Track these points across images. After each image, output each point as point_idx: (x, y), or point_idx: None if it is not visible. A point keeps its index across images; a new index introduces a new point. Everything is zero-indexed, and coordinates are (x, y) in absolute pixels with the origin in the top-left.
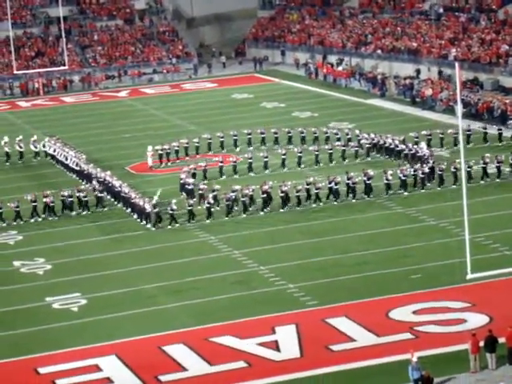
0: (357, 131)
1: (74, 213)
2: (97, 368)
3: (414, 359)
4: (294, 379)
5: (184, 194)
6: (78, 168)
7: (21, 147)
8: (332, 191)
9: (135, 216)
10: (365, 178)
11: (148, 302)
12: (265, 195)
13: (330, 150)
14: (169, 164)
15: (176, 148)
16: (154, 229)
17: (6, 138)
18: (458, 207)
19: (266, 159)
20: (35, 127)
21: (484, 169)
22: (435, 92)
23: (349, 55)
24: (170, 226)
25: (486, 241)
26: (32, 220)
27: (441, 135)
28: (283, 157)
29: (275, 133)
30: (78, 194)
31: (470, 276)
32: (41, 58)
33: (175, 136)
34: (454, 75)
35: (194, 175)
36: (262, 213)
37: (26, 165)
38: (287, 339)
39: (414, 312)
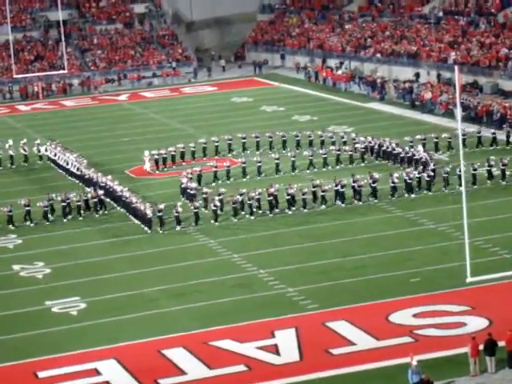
0: (353, 135)
1: (66, 219)
2: (96, 372)
3: (414, 363)
4: (294, 383)
5: (185, 198)
6: (78, 172)
7: (25, 150)
8: (338, 194)
9: (136, 221)
10: (370, 181)
11: (148, 306)
12: (271, 198)
13: (325, 154)
14: (165, 169)
15: (172, 153)
16: (159, 231)
17: (10, 141)
18: (458, 210)
19: (259, 164)
20: (35, 131)
21: (489, 171)
22: (435, 95)
23: (348, 59)
24: (178, 228)
25: (485, 244)
26: (27, 223)
27: (435, 139)
28: (276, 161)
29: (270, 137)
30: (70, 199)
31: (469, 279)
32: (40, 62)
33: (175, 140)
34: (454, 79)
35: (197, 179)
36: (271, 215)
37: (29, 168)
38: (287, 343)
39: (414, 315)
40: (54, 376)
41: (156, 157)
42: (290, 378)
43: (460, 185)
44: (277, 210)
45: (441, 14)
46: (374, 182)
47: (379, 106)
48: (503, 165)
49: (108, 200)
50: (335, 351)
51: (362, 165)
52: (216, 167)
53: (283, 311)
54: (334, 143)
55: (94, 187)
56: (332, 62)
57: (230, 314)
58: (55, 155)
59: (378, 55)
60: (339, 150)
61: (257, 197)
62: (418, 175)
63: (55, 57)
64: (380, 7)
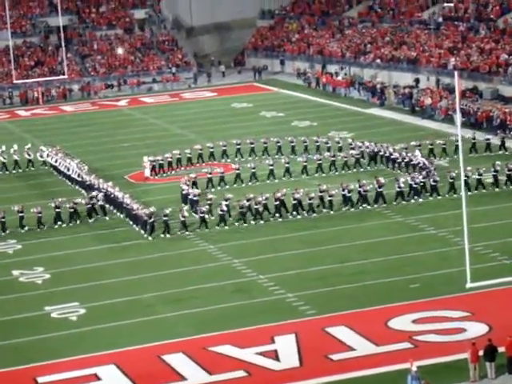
0: (349, 140)
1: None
2: (95, 377)
3: (414, 368)
4: None
5: (189, 204)
6: (79, 179)
7: (29, 155)
8: (345, 199)
9: (136, 227)
10: (377, 186)
11: (147, 311)
12: (278, 202)
13: (320, 160)
14: (164, 175)
15: (169, 159)
16: (161, 236)
17: (15, 146)
18: (458, 216)
19: (253, 170)
20: (35, 136)
21: (495, 177)
22: (434, 101)
23: (348, 64)
24: (186, 232)
25: (485, 250)
26: (23, 230)
27: (430, 146)
28: (271, 167)
29: (264, 143)
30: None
31: (469, 285)
32: (40, 68)
33: (175, 145)
34: (454, 84)
35: (206, 183)
36: (280, 219)
37: (30, 173)
38: (286, 348)
39: (414, 321)
40: (54, 381)
41: (153, 163)
42: (289, 383)
43: (469, 190)
44: (277, 215)
45: (440, 19)
46: (380, 187)
47: (379, 112)
48: (509, 170)
49: (108, 206)
50: (335, 357)
51: (362, 170)
52: (210, 173)
53: (283, 317)
54: (329, 149)
55: (91, 194)
56: (332, 68)
57: (229, 320)
58: (56, 161)
59: (378, 61)
60: (334, 156)
61: (264, 201)
62: (422, 180)
63: (55, 62)
64: (380, 13)
